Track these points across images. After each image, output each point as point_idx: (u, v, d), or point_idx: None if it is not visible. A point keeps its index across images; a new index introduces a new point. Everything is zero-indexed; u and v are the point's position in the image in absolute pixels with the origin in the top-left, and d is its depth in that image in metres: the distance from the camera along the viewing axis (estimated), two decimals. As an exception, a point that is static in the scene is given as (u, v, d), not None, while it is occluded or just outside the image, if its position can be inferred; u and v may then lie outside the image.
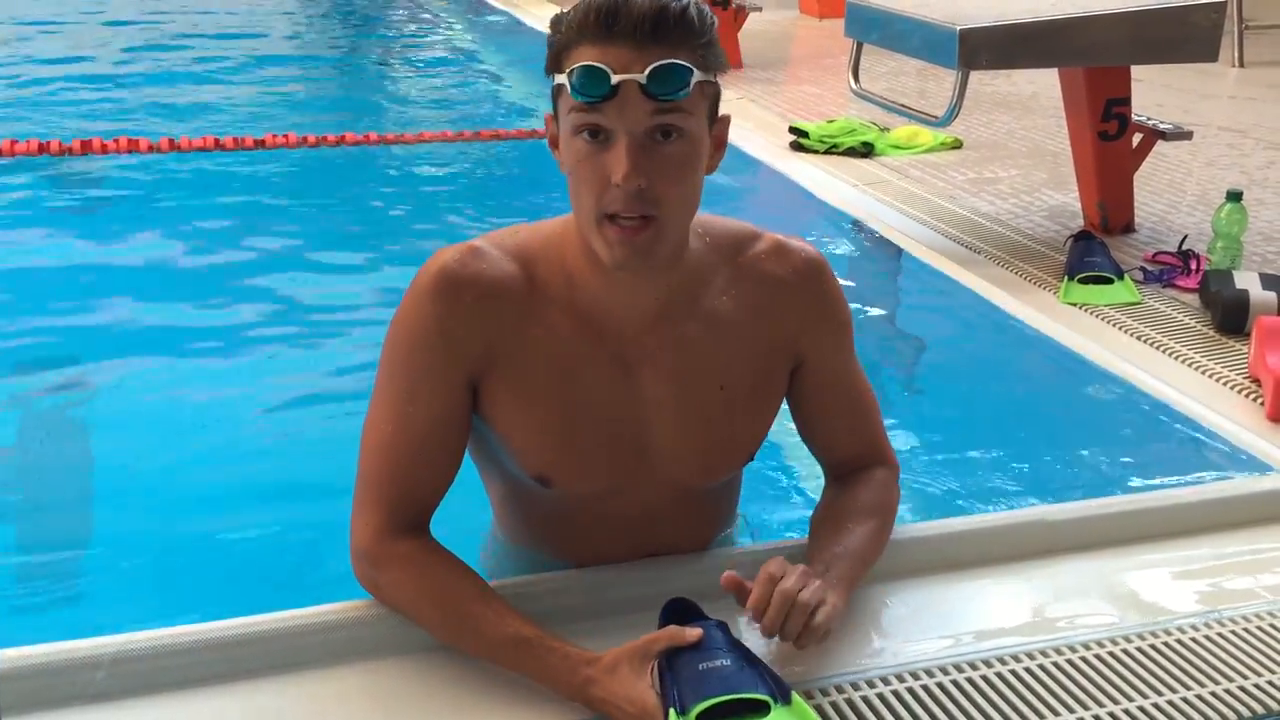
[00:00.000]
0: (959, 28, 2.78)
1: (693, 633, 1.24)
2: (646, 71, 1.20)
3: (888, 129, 4.29)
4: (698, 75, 1.23)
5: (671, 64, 1.21)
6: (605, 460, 1.39)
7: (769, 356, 1.43)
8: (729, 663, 1.22)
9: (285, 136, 4.34)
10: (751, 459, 1.50)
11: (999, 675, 1.39)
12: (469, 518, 1.61)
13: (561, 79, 1.25)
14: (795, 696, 1.23)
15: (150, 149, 4.18)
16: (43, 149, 4.08)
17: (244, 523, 2.07)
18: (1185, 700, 1.36)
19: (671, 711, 1.18)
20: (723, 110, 1.32)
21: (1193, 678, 1.40)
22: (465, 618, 1.29)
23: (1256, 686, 1.39)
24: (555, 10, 1.34)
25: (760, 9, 6.05)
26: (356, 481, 1.38)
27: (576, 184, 1.27)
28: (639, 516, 1.45)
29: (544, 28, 1.45)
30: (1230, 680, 1.40)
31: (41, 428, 2.43)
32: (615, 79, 1.20)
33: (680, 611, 1.35)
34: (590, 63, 1.21)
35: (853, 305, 1.57)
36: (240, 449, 2.31)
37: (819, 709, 1.31)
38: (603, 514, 1.44)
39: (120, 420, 2.42)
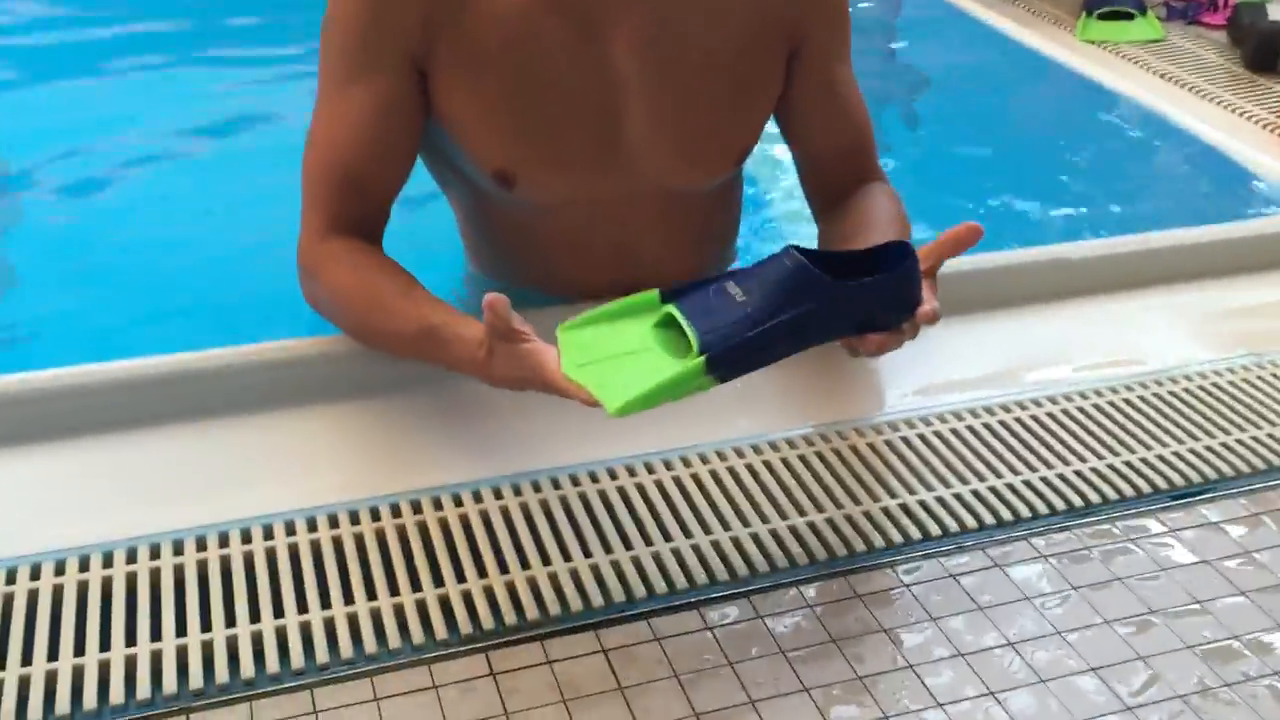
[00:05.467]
0: None
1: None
2: None
3: None
4: None
5: None
6: (571, 149, 1.25)
7: (762, 39, 1.28)
8: None
9: None
10: (741, 161, 1.37)
11: (1019, 420, 1.28)
12: (446, 263, 1.47)
13: None
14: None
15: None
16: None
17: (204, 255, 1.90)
18: (1225, 445, 1.25)
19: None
20: None
21: (1232, 421, 1.29)
22: (383, 314, 1.17)
23: (1298, 431, 1.28)
24: None
25: None
26: (301, 195, 1.23)
27: None
28: (617, 232, 1.31)
29: None
30: (1272, 425, 1.29)
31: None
32: None
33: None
34: None
35: (856, 39, 1.41)
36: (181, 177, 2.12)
37: (835, 452, 1.21)
38: (575, 228, 1.30)
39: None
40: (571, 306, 1.32)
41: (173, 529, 1.09)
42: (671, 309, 1.00)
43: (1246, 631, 1.02)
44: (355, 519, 1.11)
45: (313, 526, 1.10)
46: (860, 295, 1.00)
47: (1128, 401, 1.32)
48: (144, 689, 0.94)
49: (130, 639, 0.98)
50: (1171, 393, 1.34)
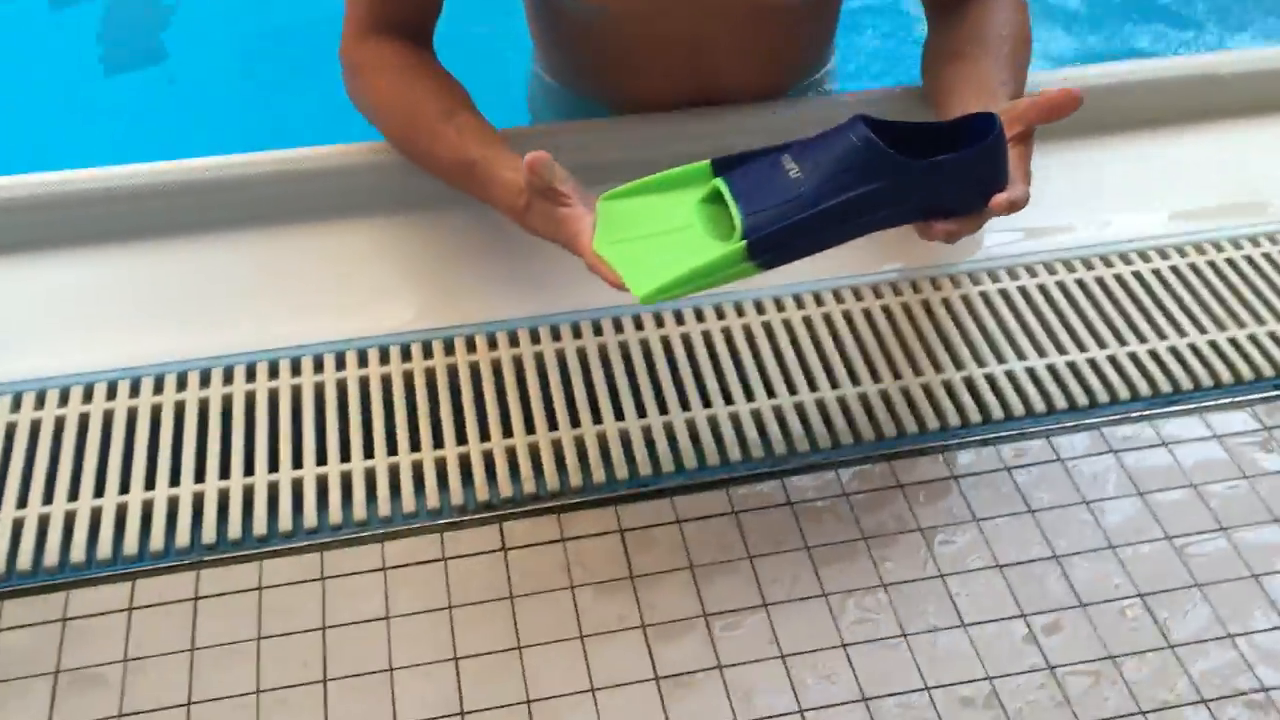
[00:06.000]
0: None
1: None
2: None
3: None
4: None
5: None
6: None
7: None
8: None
9: None
10: None
11: (1118, 278, 1.15)
12: (514, 62, 1.37)
13: None
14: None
15: None
16: None
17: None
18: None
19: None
20: None
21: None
22: (424, 136, 1.09)
23: None
24: None
25: None
26: None
27: None
28: (692, 43, 1.18)
29: None
30: None
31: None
32: None
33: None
34: None
35: None
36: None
37: (904, 307, 1.11)
38: (647, 36, 1.18)
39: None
40: (636, 122, 1.22)
41: (199, 356, 1.06)
42: (719, 184, 0.89)
43: (1325, 562, 0.93)
44: (385, 357, 1.07)
45: (341, 364, 1.07)
46: (933, 176, 0.88)
47: (1249, 259, 1.18)
48: (159, 539, 0.94)
49: (149, 482, 0.97)
50: (1306, 251, 1.19)
